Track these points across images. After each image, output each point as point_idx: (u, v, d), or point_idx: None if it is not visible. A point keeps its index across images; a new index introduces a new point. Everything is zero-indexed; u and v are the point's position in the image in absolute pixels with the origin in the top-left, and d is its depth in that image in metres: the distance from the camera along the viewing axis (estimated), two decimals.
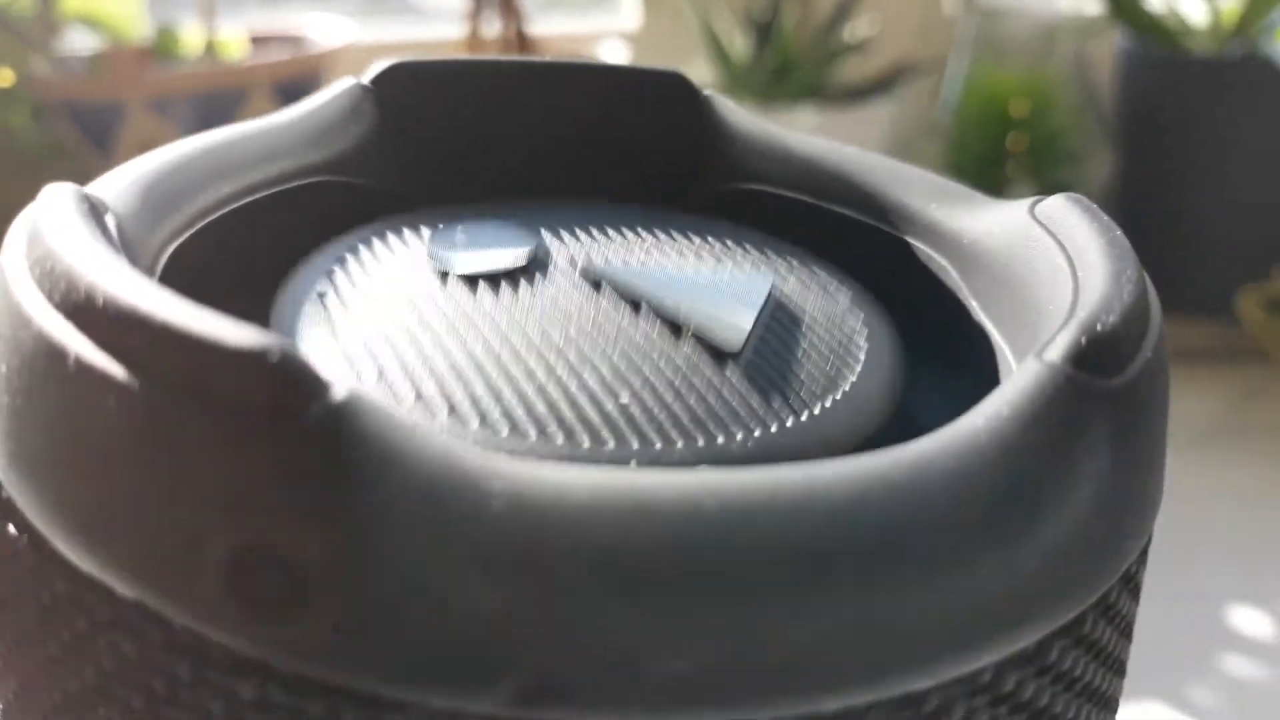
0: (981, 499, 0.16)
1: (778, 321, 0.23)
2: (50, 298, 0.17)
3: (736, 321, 0.22)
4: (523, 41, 1.38)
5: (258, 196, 0.25)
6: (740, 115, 0.29)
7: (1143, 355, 0.19)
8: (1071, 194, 0.23)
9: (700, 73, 1.39)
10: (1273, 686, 0.75)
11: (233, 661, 0.16)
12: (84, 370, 0.16)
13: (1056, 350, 0.18)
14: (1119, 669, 0.21)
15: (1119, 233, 0.22)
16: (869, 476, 0.16)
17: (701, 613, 0.15)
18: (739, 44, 1.37)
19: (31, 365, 0.17)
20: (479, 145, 0.29)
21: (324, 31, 1.33)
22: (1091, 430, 0.17)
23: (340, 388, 0.15)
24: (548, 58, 0.29)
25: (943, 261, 0.25)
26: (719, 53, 1.35)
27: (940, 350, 0.24)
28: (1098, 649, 0.19)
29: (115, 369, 0.16)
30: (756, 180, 0.28)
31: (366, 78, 0.27)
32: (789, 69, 1.32)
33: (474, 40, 1.37)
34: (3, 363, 0.18)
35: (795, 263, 0.25)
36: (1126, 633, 0.21)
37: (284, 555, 0.15)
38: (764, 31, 1.34)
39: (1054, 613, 0.17)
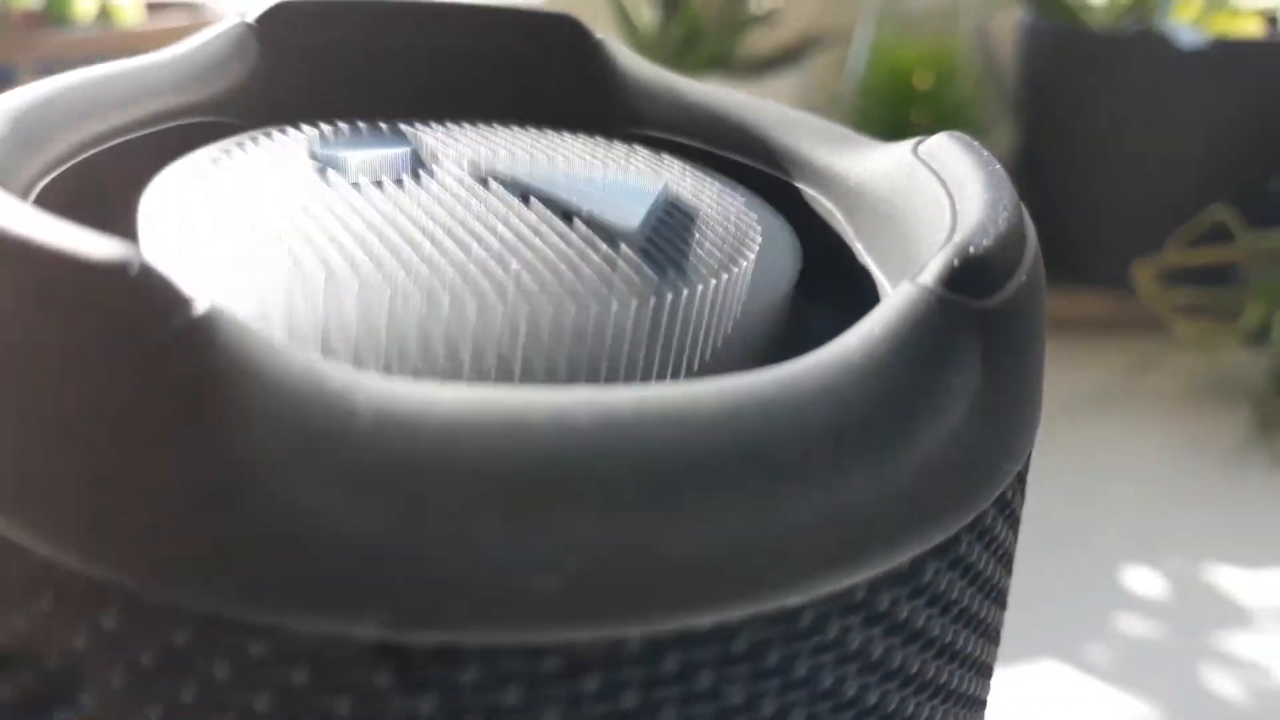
0: (853, 415, 0.16)
1: (673, 213, 0.23)
2: None
3: (630, 208, 0.22)
4: None
5: (133, 136, 0.24)
6: (634, 61, 0.29)
7: (1016, 279, 0.19)
8: (953, 132, 0.23)
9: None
10: (1165, 645, 0.77)
11: (94, 589, 0.15)
12: None
13: (929, 273, 0.18)
14: (998, 599, 0.21)
15: (997, 166, 0.22)
16: (741, 392, 0.15)
17: (572, 528, 0.14)
18: (646, 13, 1.36)
19: None
20: (363, 86, 0.28)
21: None
22: (963, 349, 0.17)
23: (201, 303, 0.15)
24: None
25: (829, 205, 0.25)
26: (626, 21, 1.34)
27: (829, 291, 0.24)
28: (974, 574, 0.19)
29: None
30: (650, 126, 0.28)
31: (251, 16, 0.27)
32: (696, 39, 1.32)
33: None
34: None
35: (690, 169, 0.25)
36: (1005, 562, 0.21)
37: (143, 476, 0.14)
38: (672, 1, 1.34)
39: (927, 532, 0.17)
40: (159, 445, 0.14)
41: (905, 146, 0.24)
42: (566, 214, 0.21)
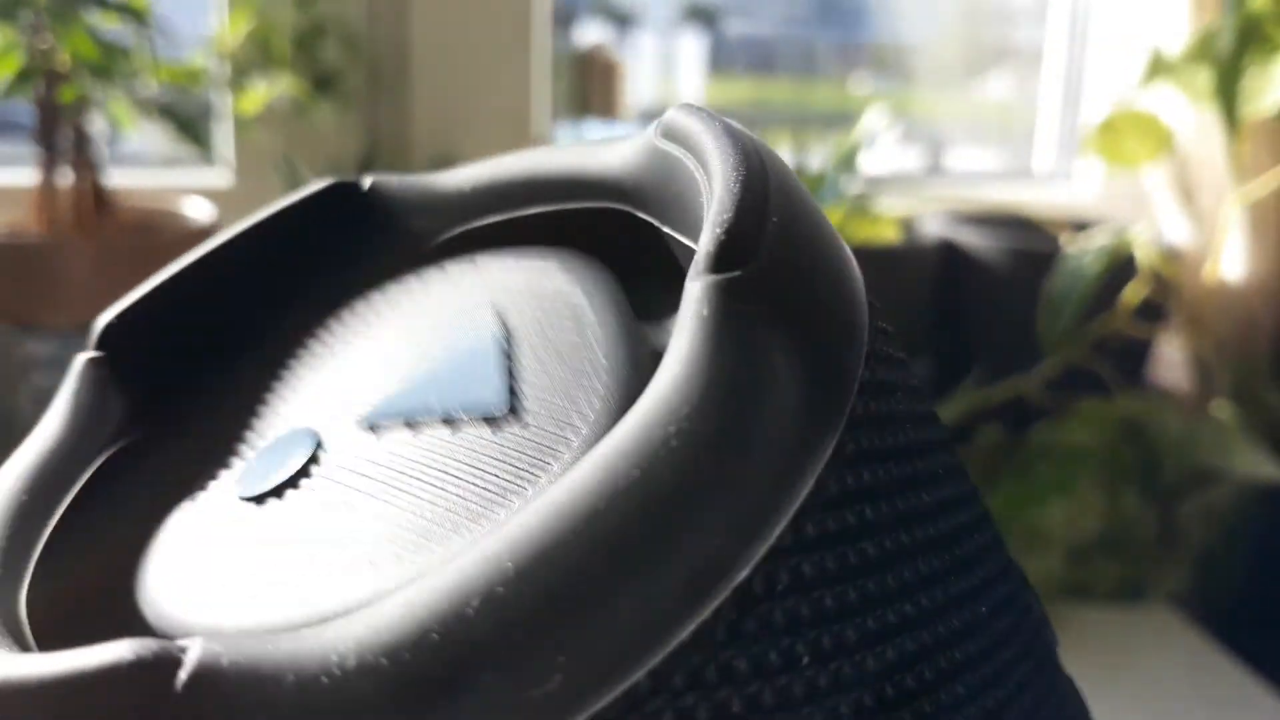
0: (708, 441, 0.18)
1: (520, 352, 0.24)
2: None
3: (485, 382, 0.24)
4: (98, 194, 1.32)
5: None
6: (404, 185, 0.31)
7: (768, 233, 0.20)
8: (682, 105, 0.24)
9: None
10: None
11: None
12: None
13: (698, 264, 0.19)
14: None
15: (730, 124, 0.22)
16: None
17: None
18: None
19: None
20: (210, 347, 0.30)
21: None
22: (757, 319, 0.19)
23: (190, 651, 0.16)
24: (213, 241, 0.30)
25: (629, 209, 0.26)
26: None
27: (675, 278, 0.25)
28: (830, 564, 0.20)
29: None
30: (449, 227, 0.30)
31: (89, 350, 0.29)
32: None
33: (45, 191, 1.30)
34: None
35: (497, 265, 0.27)
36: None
37: None
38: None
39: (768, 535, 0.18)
40: None
41: (648, 132, 0.24)
42: (447, 419, 0.23)
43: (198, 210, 1.35)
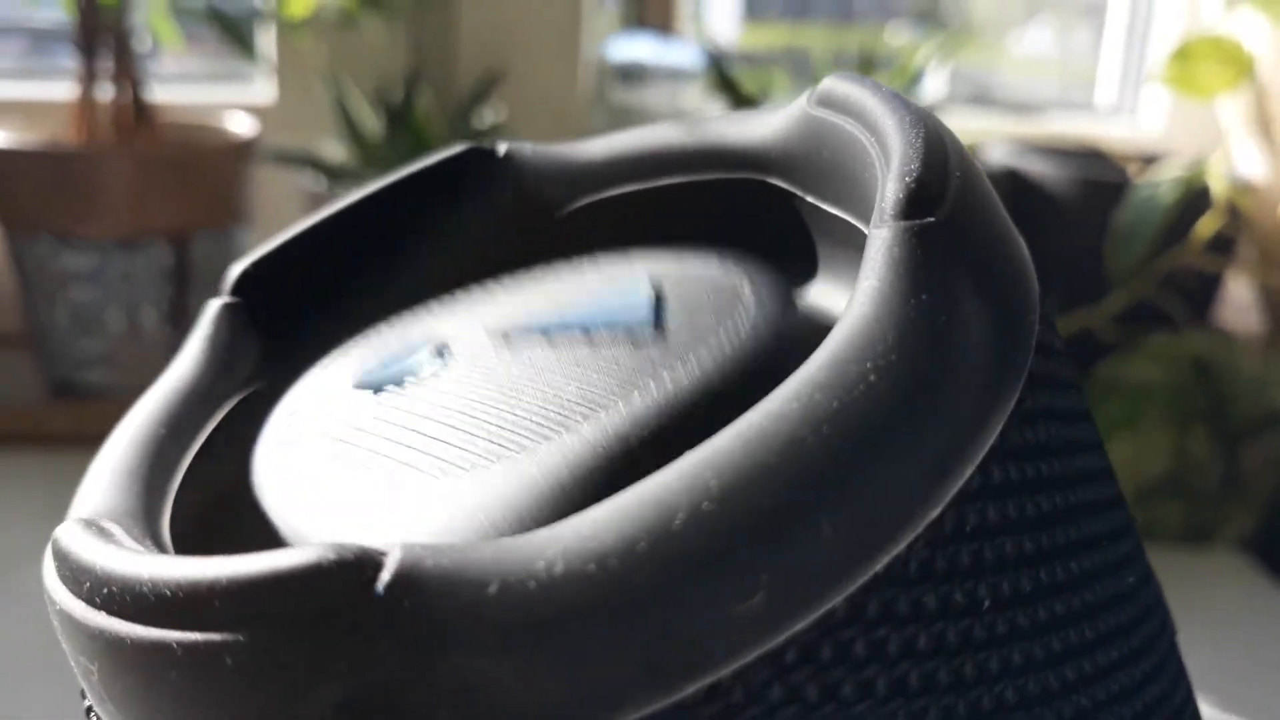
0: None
1: (669, 301, 0.25)
2: (108, 609, 0.18)
3: (636, 312, 0.24)
4: (139, 109, 1.30)
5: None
6: (541, 153, 0.31)
7: (953, 183, 0.20)
8: (834, 75, 0.24)
9: (333, 150, 1.34)
10: None
11: None
12: (193, 652, 0.17)
13: (885, 211, 0.20)
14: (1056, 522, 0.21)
15: (887, 90, 0.23)
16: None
17: None
18: (372, 124, 1.32)
19: (131, 673, 0.18)
20: (343, 301, 0.30)
21: None
22: (948, 263, 0.19)
23: (390, 554, 0.16)
24: (350, 198, 0.30)
25: (771, 180, 0.26)
26: (351, 132, 1.29)
27: (820, 246, 0.25)
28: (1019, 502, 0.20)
29: (223, 636, 0.17)
30: (583, 196, 0.30)
31: (224, 296, 0.29)
32: (422, 151, 1.27)
33: (84, 102, 1.28)
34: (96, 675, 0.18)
35: (655, 253, 0.27)
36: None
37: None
38: (397, 113, 1.29)
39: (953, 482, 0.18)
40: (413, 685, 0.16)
41: (800, 100, 0.25)
42: (589, 338, 0.24)
43: (239, 124, 1.33)
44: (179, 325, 1.25)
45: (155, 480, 0.24)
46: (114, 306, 1.24)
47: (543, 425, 0.22)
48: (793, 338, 0.22)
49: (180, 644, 0.17)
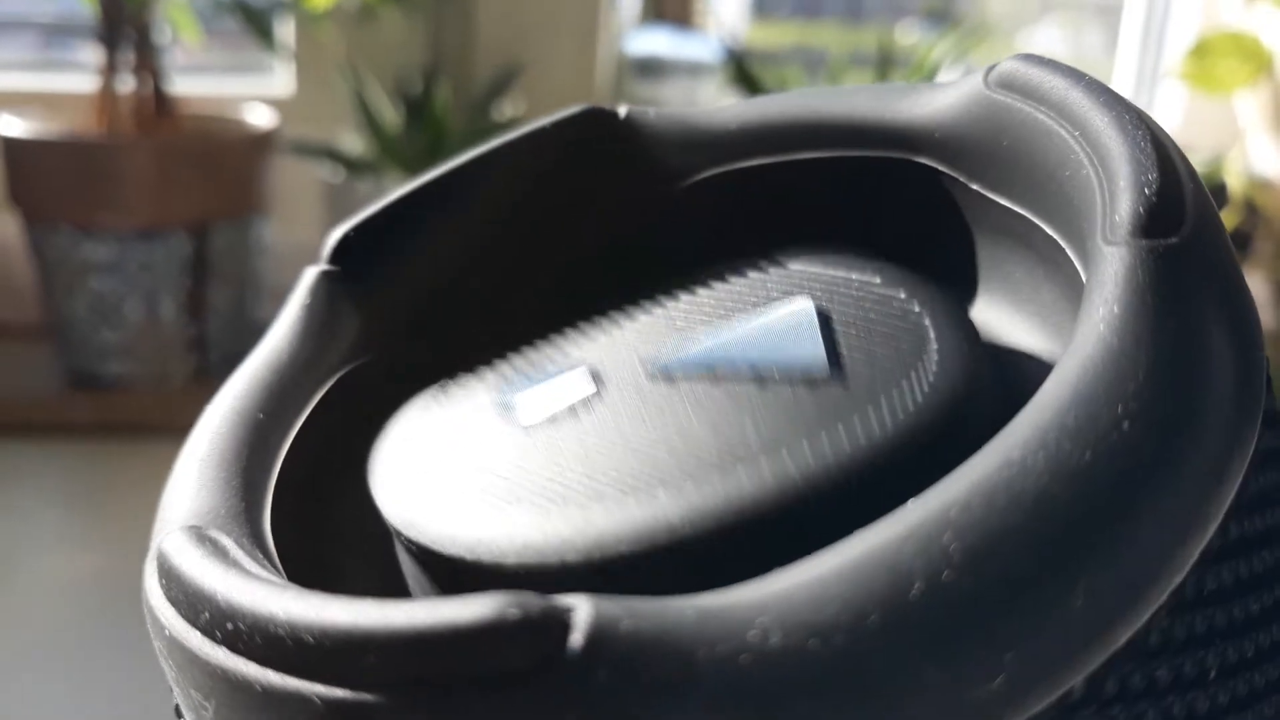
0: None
1: (839, 330, 0.22)
2: (233, 648, 0.16)
3: (806, 339, 0.22)
4: (159, 100, 1.31)
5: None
6: (661, 119, 0.28)
7: (1190, 197, 0.18)
8: (1021, 54, 0.22)
9: (351, 142, 1.34)
10: None
11: None
12: (340, 713, 0.15)
13: (1123, 227, 0.17)
14: None
15: (1089, 78, 0.20)
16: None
17: None
18: (391, 116, 1.32)
19: (260, 715, 0.16)
20: (448, 275, 0.28)
21: None
22: (1195, 291, 0.17)
23: (579, 611, 0.14)
24: (458, 160, 0.28)
25: (924, 161, 0.23)
26: (370, 124, 1.30)
27: (980, 243, 0.23)
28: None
29: (379, 698, 0.15)
30: (711, 166, 0.27)
31: (323, 263, 0.26)
32: (441, 143, 1.28)
33: (106, 94, 1.28)
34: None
35: (814, 263, 0.24)
36: None
37: None
38: (416, 105, 1.30)
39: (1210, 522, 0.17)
40: None
41: (974, 79, 0.22)
42: (758, 376, 0.21)
43: (258, 116, 1.34)
44: (198, 316, 1.26)
45: (256, 472, 0.22)
46: (133, 297, 1.25)
47: (716, 459, 0.19)
48: (981, 374, 0.20)
49: (324, 700, 0.15)
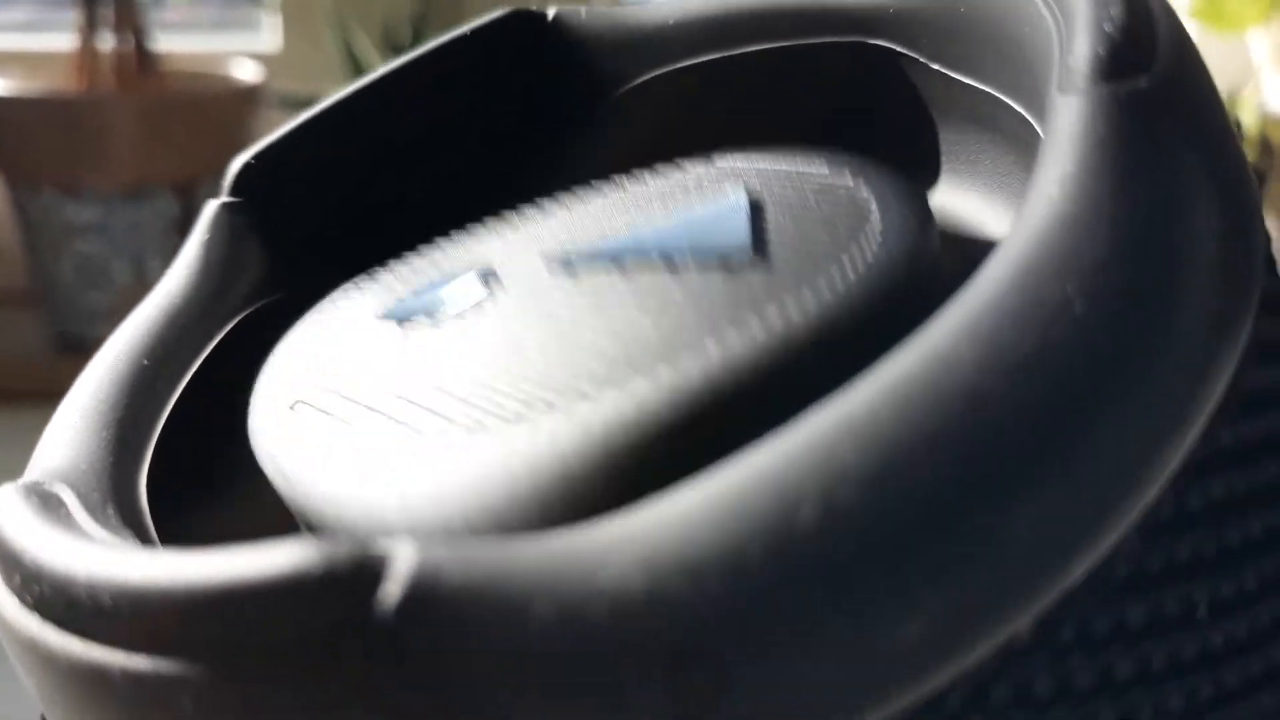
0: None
1: (772, 217, 0.19)
2: (41, 613, 0.14)
3: (732, 233, 0.18)
4: (142, 57, 1.28)
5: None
6: (591, 18, 0.26)
7: (1162, 32, 0.15)
8: None
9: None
10: None
11: None
12: (139, 683, 0.13)
13: (1078, 72, 0.15)
14: None
15: None
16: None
17: None
18: (379, 68, 1.29)
19: (69, 694, 0.14)
20: (365, 199, 0.25)
21: None
22: (1169, 143, 0.14)
23: (397, 560, 0.12)
24: (370, 76, 0.26)
25: (877, 41, 0.21)
26: (359, 76, 1.27)
27: (945, 131, 0.21)
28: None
29: (174, 665, 0.13)
30: (652, 67, 0.25)
31: (224, 195, 0.24)
32: None
33: (86, 51, 1.25)
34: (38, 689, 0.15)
35: (755, 160, 0.21)
36: None
37: None
38: (403, 53, 1.27)
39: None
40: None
41: None
42: (670, 266, 0.18)
43: (245, 71, 1.31)
44: None
45: (133, 425, 0.20)
46: (120, 259, 1.23)
47: (609, 369, 0.16)
48: (932, 259, 0.17)
49: (123, 671, 0.13)
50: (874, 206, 0.18)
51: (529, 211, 0.23)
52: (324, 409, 0.19)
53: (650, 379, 0.15)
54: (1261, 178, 1.19)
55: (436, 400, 0.18)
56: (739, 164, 0.21)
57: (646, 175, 0.22)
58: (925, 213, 0.18)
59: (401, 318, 0.20)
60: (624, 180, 0.23)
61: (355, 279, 0.22)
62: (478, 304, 0.20)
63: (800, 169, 0.20)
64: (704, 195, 0.21)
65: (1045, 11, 0.17)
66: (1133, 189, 0.14)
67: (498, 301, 0.20)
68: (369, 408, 0.18)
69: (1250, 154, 1.13)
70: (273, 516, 0.19)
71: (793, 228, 0.18)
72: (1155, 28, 0.15)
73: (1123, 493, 0.13)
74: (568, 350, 0.17)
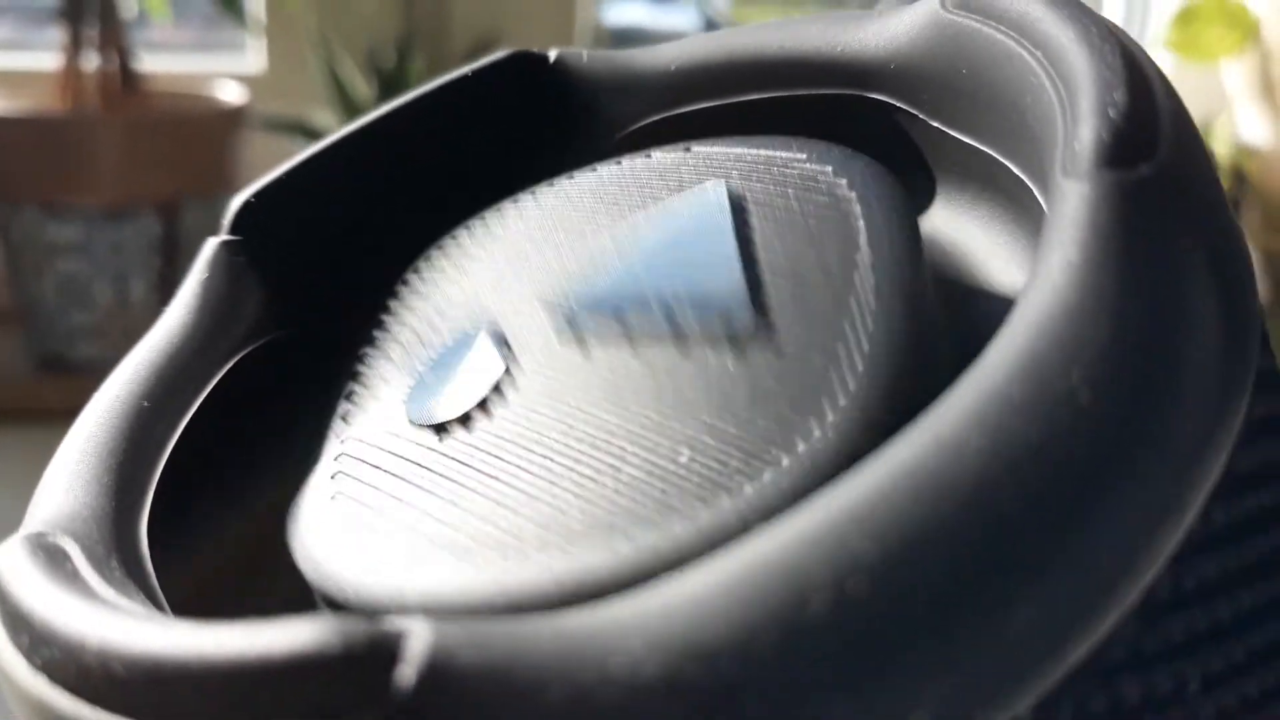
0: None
1: (762, 237, 0.19)
2: (51, 676, 0.14)
3: (721, 278, 0.18)
4: (126, 77, 1.28)
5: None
6: (594, 61, 0.26)
7: (1166, 119, 0.15)
8: None
9: (324, 118, 1.32)
10: None
11: None
12: None
13: (1083, 157, 0.15)
14: None
15: None
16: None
17: None
18: (363, 90, 1.30)
19: None
20: (364, 238, 0.25)
21: None
22: (1171, 231, 0.14)
23: (413, 639, 0.12)
24: (370, 116, 0.26)
25: (878, 97, 0.21)
26: (343, 98, 1.28)
27: (942, 186, 0.21)
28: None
29: None
30: (652, 112, 0.25)
31: (223, 234, 0.24)
32: None
33: (70, 71, 1.25)
34: None
35: (719, 149, 0.22)
36: None
37: None
38: (389, 78, 1.28)
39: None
40: None
41: (929, 4, 0.20)
42: (669, 318, 0.18)
43: (229, 92, 1.31)
44: (168, 297, 1.23)
45: (133, 470, 0.20)
46: (102, 278, 1.23)
47: (649, 509, 0.16)
48: (934, 345, 0.17)
49: None
50: (858, 209, 0.18)
51: (508, 209, 0.23)
52: (361, 502, 0.19)
53: (690, 521, 0.15)
54: (1234, 208, 1.20)
55: (469, 522, 0.17)
56: (715, 149, 0.22)
57: (618, 166, 0.23)
58: (911, 224, 0.18)
59: (429, 415, 0.20)
60: (599, 172, 0.23)
61: (372, 323, 0.23)
62: (496, 388, 0.20)
63: (778, 153, 0.21)
64: (684, 196, 0.21)
65: (1048, 84, 0.17)
66: (1135, 279, 0.14)
67: (518, 388, 0.19)
68: (404, 522, 0.18)
69: (1224, 183, 1.14)
70: (269, 555, 0.19)
71: (790, 281, 0.18)
72: (1159, 113, 0.15)
73: (1123, 578, 0.13)
74: (594, 472, 0.17)
